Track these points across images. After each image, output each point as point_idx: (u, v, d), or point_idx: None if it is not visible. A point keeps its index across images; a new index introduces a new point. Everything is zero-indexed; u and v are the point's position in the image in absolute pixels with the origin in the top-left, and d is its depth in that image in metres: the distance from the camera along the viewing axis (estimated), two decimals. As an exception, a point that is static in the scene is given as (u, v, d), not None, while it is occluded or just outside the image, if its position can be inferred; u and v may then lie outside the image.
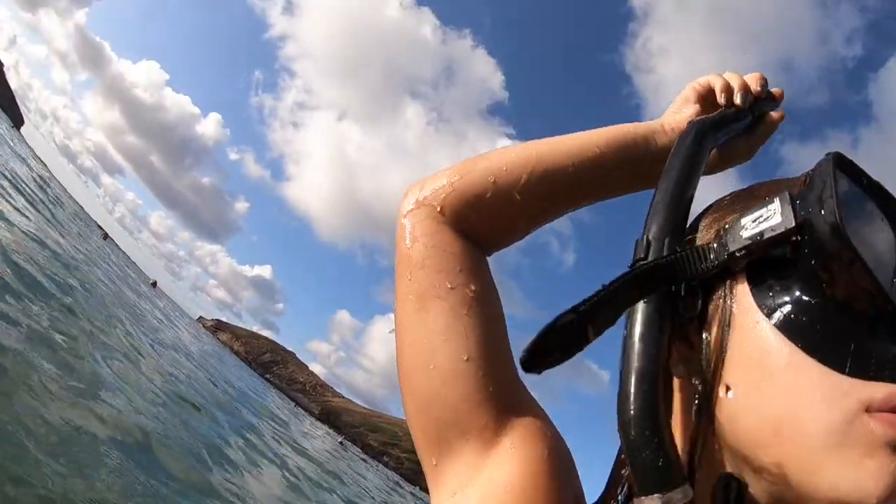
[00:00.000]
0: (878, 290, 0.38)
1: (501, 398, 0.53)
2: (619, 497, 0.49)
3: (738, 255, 0.42)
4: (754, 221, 0.43)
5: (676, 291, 0.44)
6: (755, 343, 0.41)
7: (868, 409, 0.37)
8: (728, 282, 0.44)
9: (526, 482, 0.49)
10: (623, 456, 0.48)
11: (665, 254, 0.44)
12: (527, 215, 0.61)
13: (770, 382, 0.39)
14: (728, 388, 0.42)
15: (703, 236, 0.48)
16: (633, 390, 0.40)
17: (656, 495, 0.38)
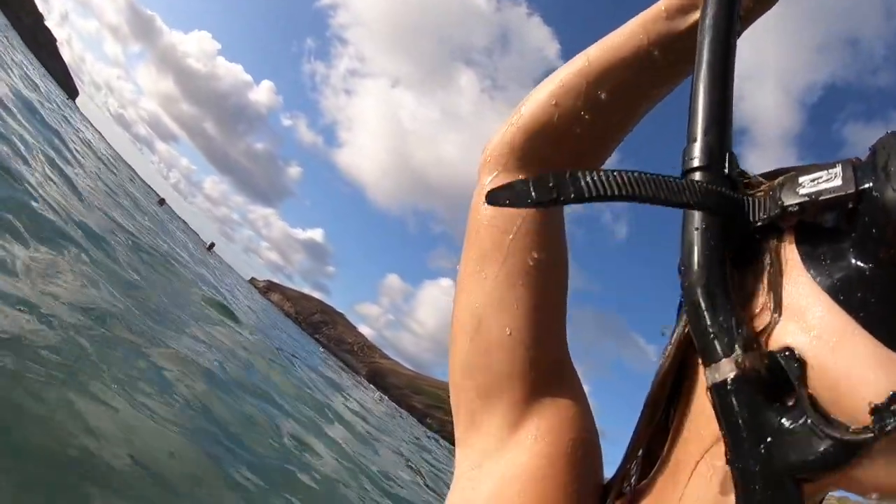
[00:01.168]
0: None
1: (537, 377, 0.52)
2: (633, 472, 0.50)
3: (790, 209, 0.40)
4: (812, 181, 0.41)
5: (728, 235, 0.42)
6: (805, 308, 0.40)
7: None
8: (774, 242, 0.42)
9: (544, 472, 0.49)
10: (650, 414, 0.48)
11: (726, 169, 0.43)
12: (599, 128, 0.55)
13: (820, 346, 0.38)
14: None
15: (754, 191, 0.44)
16: (696, 262, 0.41)
17: (728, 358, 0.38)
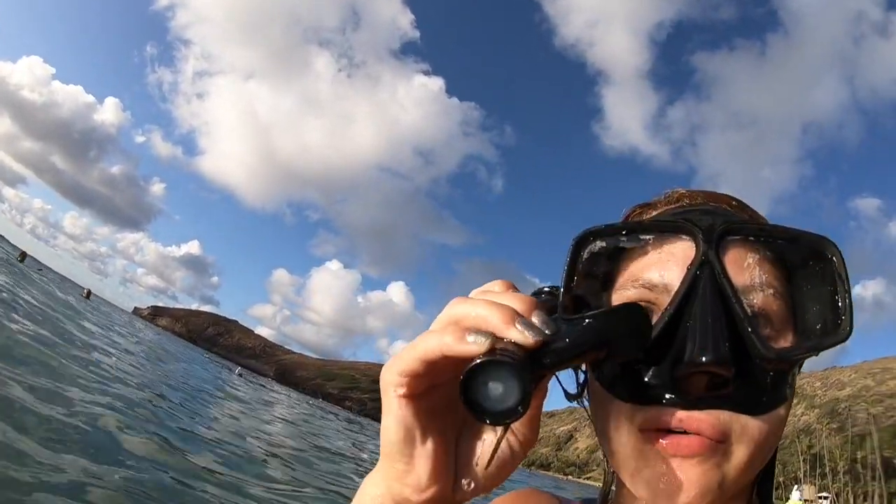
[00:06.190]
0: None
1: None
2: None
3: None
4: None
5: None
6: (593, 398, 0.52)
7: (641, 429, 0.46)
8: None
9: None
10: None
11: None
12: None
13: (597, 422, 0.51)
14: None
15: None
16: None
17: None
